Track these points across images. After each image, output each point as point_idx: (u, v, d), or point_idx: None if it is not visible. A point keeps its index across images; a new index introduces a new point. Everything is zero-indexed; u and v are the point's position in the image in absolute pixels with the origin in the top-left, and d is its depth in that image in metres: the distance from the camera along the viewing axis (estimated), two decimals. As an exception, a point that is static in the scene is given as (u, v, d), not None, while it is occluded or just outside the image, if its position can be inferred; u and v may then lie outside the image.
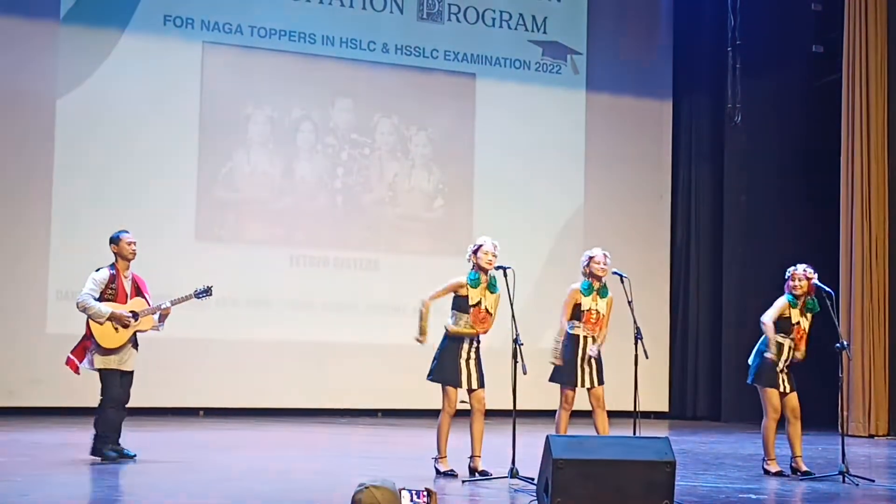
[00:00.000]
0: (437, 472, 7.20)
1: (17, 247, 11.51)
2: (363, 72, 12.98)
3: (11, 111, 11.58)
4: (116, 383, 7.57)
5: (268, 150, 12.60)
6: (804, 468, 7.69)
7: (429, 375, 7.25)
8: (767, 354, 7.66)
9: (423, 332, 7.14)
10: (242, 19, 12.49)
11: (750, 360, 7.86)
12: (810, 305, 7.78)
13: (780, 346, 7.68)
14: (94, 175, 11.77)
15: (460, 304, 7.19)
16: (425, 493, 4.93)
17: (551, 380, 7.54)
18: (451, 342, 7.18)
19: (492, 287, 7.24)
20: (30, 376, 11.37)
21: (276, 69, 12.63)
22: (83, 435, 7.72)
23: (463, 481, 6.93)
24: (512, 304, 6.91)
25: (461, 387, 7.15)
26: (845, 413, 10.61)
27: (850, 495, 6.91)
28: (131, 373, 7.71)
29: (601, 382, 7.52)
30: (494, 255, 7.20)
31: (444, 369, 7.16)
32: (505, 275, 6.99)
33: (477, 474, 7.09)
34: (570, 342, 7.50)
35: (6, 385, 11.28)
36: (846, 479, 7.34)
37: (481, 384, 7.21)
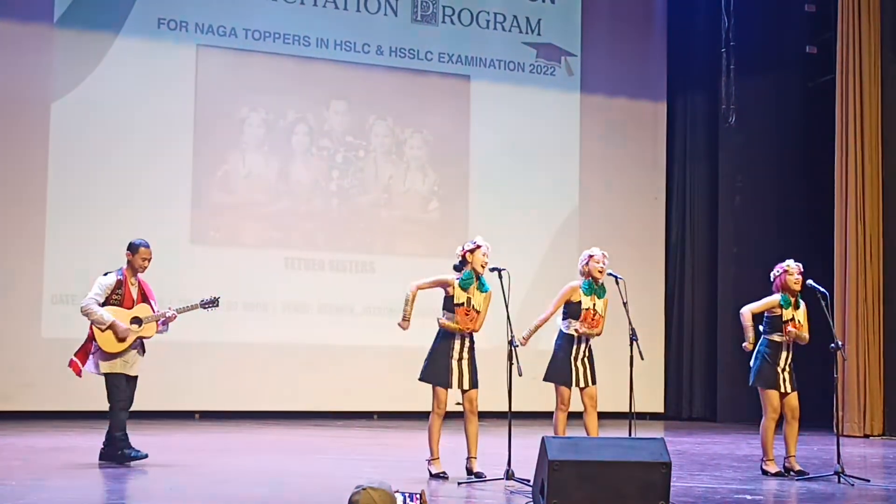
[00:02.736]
0: (430, 473, 7.21)
1: (11, 251, 11.50)
2: (358, 74, 12.98)
3: (6, 115, 11.57)
4: (123, 385, 7.63)
5: (263, 153, 12.61)
6: (797, 467, 7.71)
7: (420, 375, 7.27)
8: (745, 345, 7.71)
9: (406, 317, 7.20)
10: (237, 22, 12.49)
11: (751, 363, 7.86)
12: (799, 301, 7.80)
13: (777, 344, 7.70)
14: (88, 178, 11.76)
15: (448, 304, 7.22)
16: (418, 497, 4.94)
17: (546, 379, 7.55)
18: (443, 341, 7.18)
19: (481, 286, 7.24)
20: (25, 380, 11.36)
21: (270, 72, 12.63)
22: (78, 439, 7.73)
23: (459, 483, 6.94)
24: (507, 306, 6.92)
25: (451, 387, 7.15)
26: (840, 413, 10.62)
27: (845, 495, 6.92)
28: (136, 378, 7.77)
29: (594, 382, 7.53)
30: (487, 258, 7.24)
31: (435, 369, 7.16)
32: (500, 276, 7.00)
33: (473, 476, 7.09)
34: (564, 341, 7.50)
35: (1, 389, 11.27)
36: (842, 479, 7.35)
37: (474, 385, 7.21)
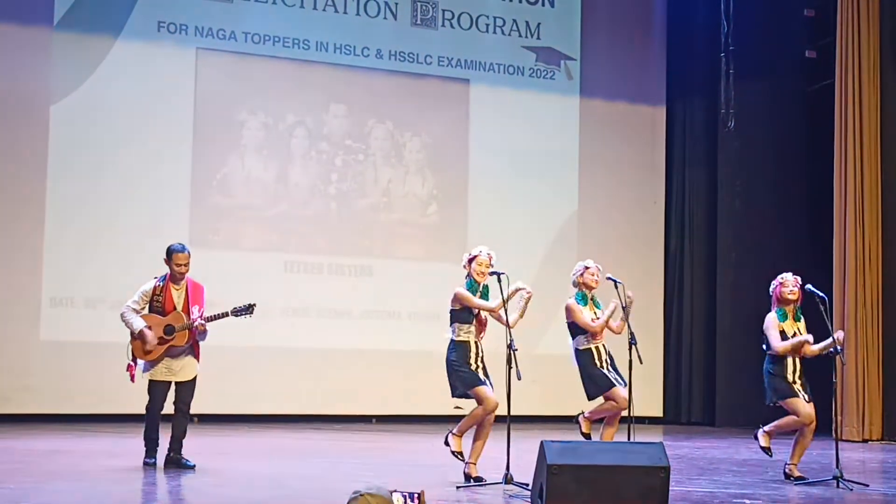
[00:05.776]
0: (446, 442, 7.13)
1: (10, 253, 11.50)
2: (357, 78, 12.99)
3: (5, 117, 11.58)
4: (160, 396, 7.65)
5: (262, 156, 12.61)
6: (797, 474, 7.69)
7: (453, 393, 7.16)
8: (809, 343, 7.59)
9: (507, 303, 7.03)
10: (236, 26, 12.50)
11: (765, 384, 7.79)
12: (799, 314, 7.76)
13: (780, 358, 7.63)
14: (87, 181, 11.76)
15: (464, 316, 7.14)
16: (417, 497, 4.94)
17: (590, 397, 7.54)
18: (458, 353, 7.11)
19: (484, 296, 7.23)
20: (23, 383, 11.35)
21: (270, 75, 12.64)
22: (77, 442, 7.72)
23: (457, 487, 6.94)
24: (506, 310, 6.92)
25: (485, 384, 7.10)
26: (839, 418, 10.62)
27: (844, 500, 6.92)
28: (190, 381, 7.75)
29: (626, 383, 7.47)
30: (488, 267, 7.18)
31: (466, 378, 7.07)
32: (499, 280, 7.00)
33: (471, 480, 7.08)
34: (586, 357, 7.49)
35: (0, 391, 11.26)
36: (840, 483, 7.35)
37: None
